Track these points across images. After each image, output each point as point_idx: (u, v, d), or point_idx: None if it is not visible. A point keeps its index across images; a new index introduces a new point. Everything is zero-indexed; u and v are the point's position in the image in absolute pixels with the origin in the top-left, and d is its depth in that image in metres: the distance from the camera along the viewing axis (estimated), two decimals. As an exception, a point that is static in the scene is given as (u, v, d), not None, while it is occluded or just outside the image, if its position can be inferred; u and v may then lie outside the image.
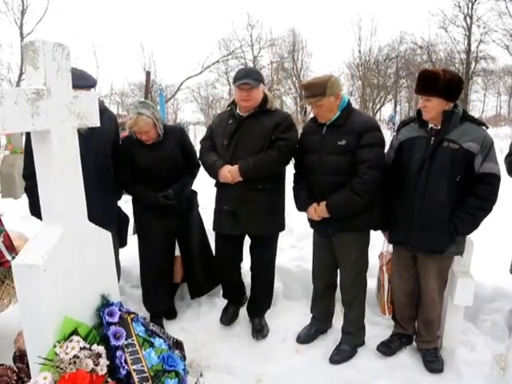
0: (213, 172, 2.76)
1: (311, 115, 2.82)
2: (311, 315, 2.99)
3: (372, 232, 2.73)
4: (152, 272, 3.01)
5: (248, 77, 2.64)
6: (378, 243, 2.86)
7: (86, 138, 2.61)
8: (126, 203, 3.39)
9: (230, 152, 2.70)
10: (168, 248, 3.03)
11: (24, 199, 3.36)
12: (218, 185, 2.84)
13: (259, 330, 2.94)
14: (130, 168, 2.87)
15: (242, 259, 3.07)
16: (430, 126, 2.42)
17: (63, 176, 1.73)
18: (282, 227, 2.91)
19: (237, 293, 3.16)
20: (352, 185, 2.46)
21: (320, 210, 2.57)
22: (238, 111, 2.75)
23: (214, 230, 2.95)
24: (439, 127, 2.38)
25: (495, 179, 2.31)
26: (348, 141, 2.45)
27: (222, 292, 3.19)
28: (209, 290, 3.30)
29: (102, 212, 2.55)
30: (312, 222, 2.75)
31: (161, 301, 3.08)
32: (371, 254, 2.73)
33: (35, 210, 2.67)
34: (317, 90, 2.43)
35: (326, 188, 2.53)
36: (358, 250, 2.65)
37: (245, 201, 2.70)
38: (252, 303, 3.07)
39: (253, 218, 2.73)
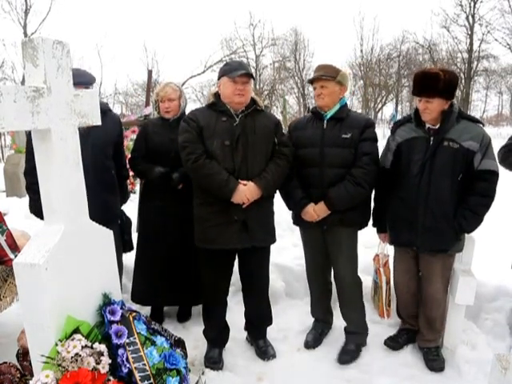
0: (224, 191, 2.32)
1: None
2: (313, 319, 2.95)
3: (369, 232, 2.74)
4: (159, 262, 2.91)
5: (245, 68, 2.42)
6: (375, 242, 2.84)
7: (83, 136, 2.61)
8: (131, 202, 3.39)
9: (239, 154, 2.37)
10: (178, 238, 2.90)
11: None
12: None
13: (265, 352, 2.69)
14: (143, 149, 2.92)
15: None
16: (428, 125, 2.42)
17: (64, 175, 1.73)
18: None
19: (223, 329, 2.71)
20: (354, 176, 2.44)
21: (319, 209, 2.49)
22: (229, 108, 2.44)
23: (206, 244, 2.47)
24: (437, 127, 2.39)
25: (494, 176, 2.36)
26: (353, 134, 2.49)
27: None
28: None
29: (100, 211, 2.54)
30: (302, 219, 2.62)
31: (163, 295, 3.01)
32: (368, 254, 2.71)
33: (35, 208, 2.68)
34: (329, 71, 2.52)
35: (329, 180, 2.48)
36: (352, 247, 2.64)
37: (257, 208, 2.41)
38: (253, 325, 2.77)
39: (263, 227, 2.49)
